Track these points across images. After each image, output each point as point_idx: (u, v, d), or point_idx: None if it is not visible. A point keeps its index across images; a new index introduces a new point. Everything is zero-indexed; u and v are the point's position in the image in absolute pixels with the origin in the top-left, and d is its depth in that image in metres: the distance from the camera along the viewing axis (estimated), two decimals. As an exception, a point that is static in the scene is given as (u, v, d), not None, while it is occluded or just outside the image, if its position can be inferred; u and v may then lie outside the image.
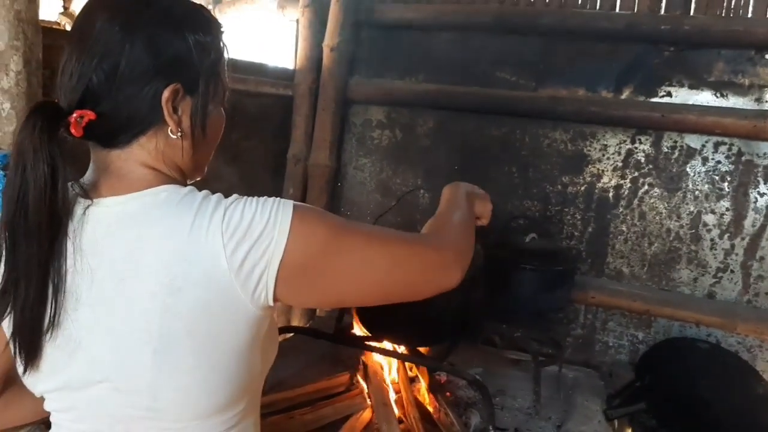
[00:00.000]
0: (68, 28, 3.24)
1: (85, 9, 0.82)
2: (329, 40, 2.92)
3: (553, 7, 2.72)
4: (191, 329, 0.75)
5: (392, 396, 2.02)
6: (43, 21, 1.60)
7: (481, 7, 2.82)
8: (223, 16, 3.57)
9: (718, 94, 2.52)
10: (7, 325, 0.80)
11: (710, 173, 2.55)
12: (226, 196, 0.80)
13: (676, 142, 2.58)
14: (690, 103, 2.55)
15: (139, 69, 0.78)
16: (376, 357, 2.18)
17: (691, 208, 2.59)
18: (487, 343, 2.50)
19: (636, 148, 2.64)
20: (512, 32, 2.77)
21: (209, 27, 0.87)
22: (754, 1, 2.45)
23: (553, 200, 2.79)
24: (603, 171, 2.70)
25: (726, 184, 2.54)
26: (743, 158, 2.50)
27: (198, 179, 0.94)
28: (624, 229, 2.70)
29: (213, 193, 0.81)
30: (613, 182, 2.69)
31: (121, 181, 0.81)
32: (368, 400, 2.03)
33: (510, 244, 2.55)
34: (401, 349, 2.14)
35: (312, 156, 3.03)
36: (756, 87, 2.47)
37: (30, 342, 0.79)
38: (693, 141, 2.56)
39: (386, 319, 2.07)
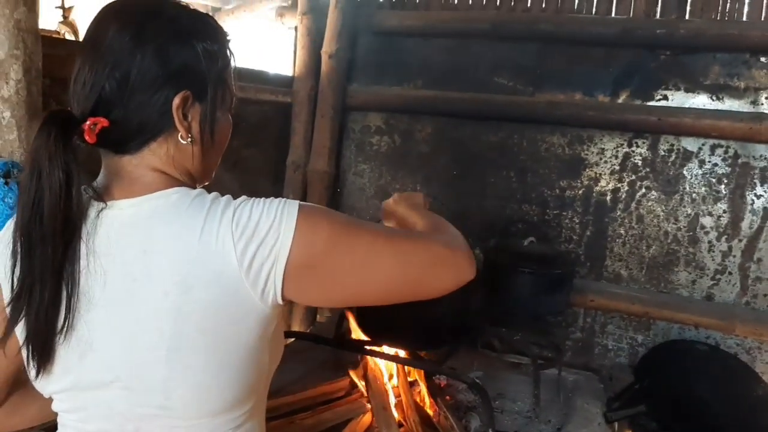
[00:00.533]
0: (68, 37, 3.27)
1: (96, 20, 0.84)
2: (328, 47, 2.94)
3: (549, 13, 2.74)
4: (203, 327, 0.77)
5: (392, 400, 2.03)
6: (42, 30, 1.61)
7: (478, 14, 2.84)
8: (223, 24, 3.59)
9: (714, 98, 2.54)
10: (21, 330, 0.81)
11: (707, 176, 2.57)
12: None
13: (672, 145, 2.60)
14: (686, 106, 2.56)
15: (150, 77, 0.80)
16: (376, 361, 2.18)
17: (689, 211, 2.60)
18: (487, 347, 2.51)
19: (633, 151, 2.66)
20: (509, 38, 2.80)
21: (216, 35, 0.89)
22: (748, 4, 2.47)
23: (552, 204, 2.80)
24: (600, 175, 2.71)
25: (723, 186, 2.55)
26: (740, 161, 2.52)
27: (206, 183, 0.96)
28: (622, 232, 2.71)
29: None
30: (611, 186, 2.70)
31: (133, 185, 0.83)
32: (368, 404, 2.03)
33: (509, 248, 2.56)
34: (401, 353, 2.15)
35: (311, 162, 3.05)
36: (751, 90, 2.49)
37: (43, 345, 0.80)
38: (689, 144, 2.58)
39: (386, 324, 2.08)
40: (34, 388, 0.88)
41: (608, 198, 2.71)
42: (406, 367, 2.16)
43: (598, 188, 2.73)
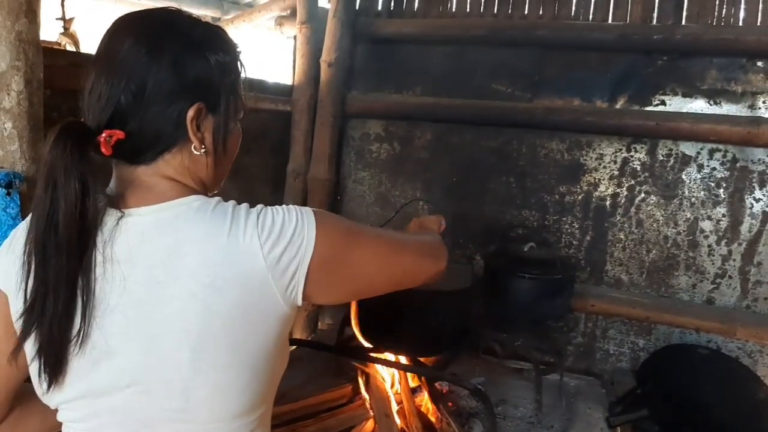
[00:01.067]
0: (69, 48, 3.28)
1: (110, 32, 0.85)
2: (327, 55, 2.95)
3: (546, 19, 2.76)
4: (229, 327, 0.79)
5: (394, 407, 2.03)
6: (44, 41, 1.62)
7: (476, 21, 2.86)
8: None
9: (712, 102, 2.55)
10: (32, 343, 0.81)
11: (706, 180, 2.57)
12: None
13: (671, 149, 2.61)
14: (684, 111, 2.57)
15: (166, 89, 0.82)
16: (378, 368, 2.18)
17: (688, 215, 2.61)
18: (488, 353, 2.51)
19: (632, 156, 2.67)
20: (507, 45, 2.81)
21: (228, 48, 0.91)
22: (744, 9, 2.49)
23: (551, 209, 2.81)
24: (600, 180, 2.72)
25: (722, 190, 2.56)
26: (738, 164, 2.53)
27: (215, 192, 0.97)
28: (622, 236, 2.71)
29: None
30: (610, 191, 2.71)
31: (150, 192, 0.84)
32: (371, 411, 2.04)
33: (509, 253, 2.57)
34: (403, 359, 2.15)
35: (311, 170, 3.06)
36: (749, 94, 2.50)
37: (56, 357, 0.80)
38: (688, 148, 2.59)
39: (388, 330, 2.08)
40: (36, 399, 0.88)
41: (608, 203, 2.72)
42: (408, 374, 2.16)
43: (597, 193, 2.73)
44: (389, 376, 2.19)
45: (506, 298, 2.45)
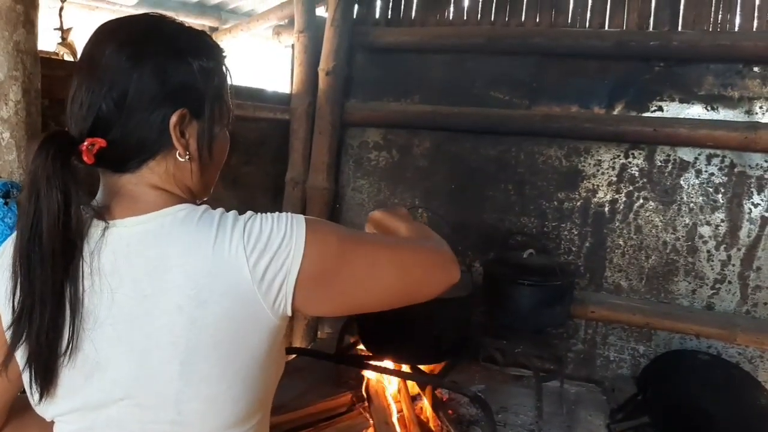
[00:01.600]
0: (66, 58, 3.29)
1: (93, 40, 0.84)
2: (325, 64, 2.96)
3: (543, 27, 2.77)
4: (217, 339, 0.78)
5: (395, 415, 2.02)
6: (41, 51, 1.63)
7: (474, 29, 2.87)
8: (220, 43, 3.62)
9: (709, 108, 2.56)
10: (21, 354, 0.81)
11: (704, 185, 2.58)
12: None
13: (669, 155, 2.61)
14: (681, 116, 2.58)
15: (148, 96, 0.81)
16: (378, 376, 2.18)
17: (687, 221, 2.61)
18: (489, 360, 2.51)
19: (630, 162, 2.67)
20: (504, 53, 2.82)
21: (212, 52, 0.89)
22: (740, 15, 2.50)
23: (550, 216, 2.81)
24: (598, 186, 2.72)
25: (720, 195, 2.56)
26: (736, 170, 2.53)
27: (205, 199, 0.96)
28: (621, 243, 2.71)
29: None
30: (609, 197, 2.71)
31: (136, 203, 0.83)
32: (370, 419, 2.03)
33: (508, 260, 2.56)
34: (403, 367, 2.14)
35: (310, 179, 3.06)
36: (745, 99, 2.51)
37: (45, 368, 0.80)
38: (686, 154, 2.59)
39: (387, 338, 2.08)
40: (32, 412, 0.87)
41: (606, 209, 2.72)
42: (408, 382, 2.16)
43: (596, 199, 2.74)
44: (389, 383, 2.18)
45: (506, 306, 2.44)
